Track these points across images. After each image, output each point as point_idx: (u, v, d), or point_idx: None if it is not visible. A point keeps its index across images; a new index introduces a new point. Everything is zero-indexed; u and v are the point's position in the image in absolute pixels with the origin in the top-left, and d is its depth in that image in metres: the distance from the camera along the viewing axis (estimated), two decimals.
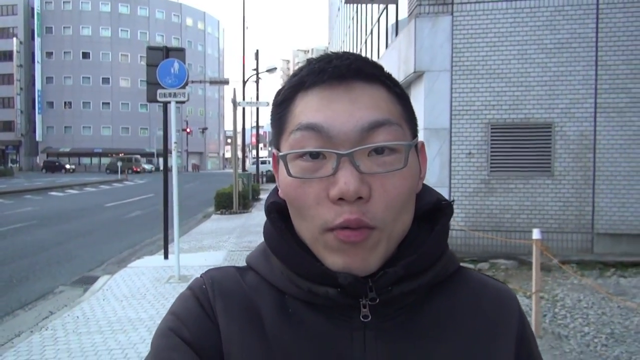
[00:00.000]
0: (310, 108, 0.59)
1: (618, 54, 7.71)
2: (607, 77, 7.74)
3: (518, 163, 8.02)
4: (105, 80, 69.42)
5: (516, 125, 8.01)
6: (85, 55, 68.97)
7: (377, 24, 12.75)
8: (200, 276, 0.68)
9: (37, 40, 67.89)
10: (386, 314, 0.62)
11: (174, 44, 73.95)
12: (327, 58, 0.61)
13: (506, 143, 8.05)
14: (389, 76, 0.63)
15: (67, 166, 57.41)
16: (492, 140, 8.07)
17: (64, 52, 68.80)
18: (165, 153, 8.17)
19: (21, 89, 68.94)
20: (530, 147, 8.00)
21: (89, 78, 68.89)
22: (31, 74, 69.66)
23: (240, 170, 19.01)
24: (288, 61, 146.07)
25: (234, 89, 19.17)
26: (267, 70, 21.27)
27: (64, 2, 69.18)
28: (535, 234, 4.54)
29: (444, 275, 0.65)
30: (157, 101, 7.08)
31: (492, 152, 8.07)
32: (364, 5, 14.78)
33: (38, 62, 67.94)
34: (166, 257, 8.09)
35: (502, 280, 5.21)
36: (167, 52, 7.81)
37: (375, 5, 12.15)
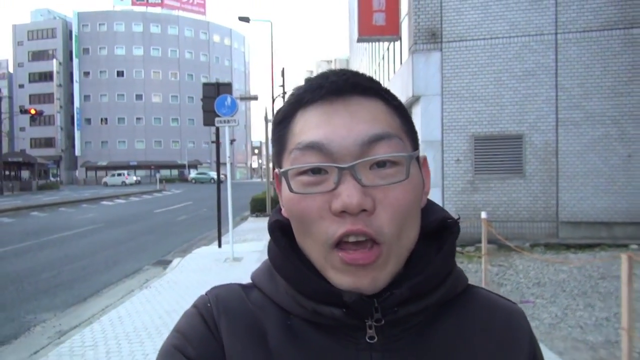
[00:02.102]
0: (309, 125, 0.59)
1: (573, 79, 9.70)
2: (565, 97, 9.74)
3: (496, 167, 10.06)
4: (139, 97, 72.80)
5: (494, 137, 10.06)
6: (120, 73, 72.55)
7: (387, 51, 14.95)
8: (206, 294, 0.68)
9: (75, 61, 71.87)
10: (393, 334, 0.61)
11: (202, 60, 77.45)
12: (325, 75, 0.61)
13: (486, 151, 10.09)
14: (386, 90, 0.63)
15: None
16: (475, 149, 10.13)
17: (100, 72, 72.51)
18: (217, 166, 10.46)
19: (61, 107, 72.96)
20: (506, 153, 10.03)
21: (123, 95, 72.38)
22: (70, 92, 73.72)
23: (271, 179, 21.36)
24: (312, 71, 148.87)
25: (265, 107, 21.40)
26: (293, 89, 23.59)
27: (99, 24, 73.07)
28: (483, 214, 6.62)
29: (452, 294, 0.65)
30: (215, 125, 9.40)
31: (475, 158, 10.13)
32: None
33: (76, 81, 71.89)
34: (219, 246, 10.37)
35: (482, 257, 7.37)
36: (219, 86, 10.15)
37: None
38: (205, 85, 10.40)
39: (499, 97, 9.98)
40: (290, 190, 0.58)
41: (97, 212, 20.64)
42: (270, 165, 26.69)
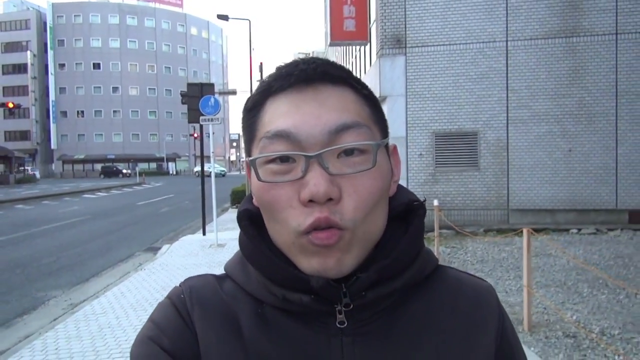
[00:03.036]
0: (278, 113, 0.59)
1: (521, 82, 10.86)
2: (514, 98, 10.90)
3: (455, 160, 11.18)
4: (115, 89, 72.42)
5: (452, 134, 11.18)
6: (96, 65, 71.99)
7: (358, 52, 15.97)
8: (179, 285, 0.69)
9: (50, 53, 71.04)
10: (362, 319, 0.62)
11: (180, 52, 77.33)
12: (294, 63, 0.61)
13: (446, 146, 11.21)
14: (356, 79, 0.63)
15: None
16: (436, 144, 11.23)
17: (76, 64, 71.85)
18: (202, 160, 11.35)
19: (36, 99, 72.04)
20: (463, 149, 11.16)
21: (99, 87, 71.90)
22: (45, 85, 72.85)
23: None
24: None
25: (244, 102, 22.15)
26: (264, 77, 24.51)
27: (74, 15, 72.27)
28: (435, 202, 7.70)
29: (420, 277, 0.65)
30: (199, 123, 10.29)
31: (436, 153, 11.23)
32: None
33: (51, 73, 71.12)
34: (204, 234, 11.30)
35: (441, 242, 8.53)
36: (202, 86, 11.04)
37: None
38: (189, 85, 11.27)
39: (456, 97, 11.08)
40: (258, 178, 0.59)
41: (80, 205, 21.27)
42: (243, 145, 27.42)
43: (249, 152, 0.64)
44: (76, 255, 9.65)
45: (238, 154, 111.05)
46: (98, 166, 71.61)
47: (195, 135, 61.42)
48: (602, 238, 9.51)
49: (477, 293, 0.69)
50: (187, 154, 75.45)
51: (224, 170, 43.90)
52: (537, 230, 10.95)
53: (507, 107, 10.95)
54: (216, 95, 10.81)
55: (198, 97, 10.51)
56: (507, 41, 10.89)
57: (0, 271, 8.31)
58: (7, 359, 4.44)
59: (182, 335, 0.62)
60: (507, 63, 10.91)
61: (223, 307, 0.65)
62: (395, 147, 0.67)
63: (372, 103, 0.64)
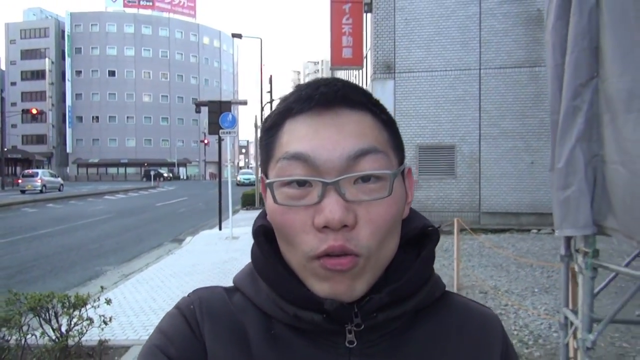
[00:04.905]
0: (297, 136, 0.60)
1: (492, 103, 12.77)
2: (486, 117, 12.81)
3: (435, 170, 13.08)
4: (130, 96, 74.88)
5: (434, 147, 13.09)
6: (111, 73, 74.61)
7: (355, 75, 17.98)
8: (188, 295, 0.69)
9: (67, 60, 73.67)
10: (371, 339, 0.62)
11: (192, 61, 79.83)
12: (315, 84, 0.62)
13: (428, 157, 13.11)
14: (376, 103, 0.64)
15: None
16: (419, 155, 13.14)
17: (92, 71, 74.44)
18: (219, 166, 13.33)
19: (53, 105, 74.61)
20: (442, 160, 13.07)
21: (114, 94, 74.40)
22: (62, 91, 75.48)
23: (259, 178, 24.34)
24: (298, 72, 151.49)
25: (255, 115, 24.18)
26: (280, 98, 26.57)
27: (91, 24, 74.98)
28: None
29: (429, 301, 0.66)
30: (219, 135, 12.29)
31: (419, 163, 13.14)
32: None
33: (68, 80, 73.73)
34: (220, 229, 13.27)
35: None
36: (221, 104, 13.06)
37: None
38: (210, 102, 13.31)
39: (437, 116, 13.00)
40: (275, 201, 0.59)
41: (104, 205, 23.35)
42: (259, 164, 29.36)
43: (265, 172, 0.65)
44: (115, 243, 11.65)
45: (246, 160, 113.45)
46: (112, 170, 74.02)
47: (206, 141, 63.87)
48: (553, 236, 11.35)
49: (484, 320, 0.70)
50: (197, 160, 77.72)
51: (249, 177, 41.54)
52: (503, 230, 12.85)
53: (480, 125, 12.86)
54: (233, 113, 12.80)
55: (218, 113, 12.53)
56: (480, 69, 12.81)
57: (59, 253, 10.31)
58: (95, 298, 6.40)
59: (190, 346, 0.62)
60: (480, 88, 12.83)
61: (232, 320, 0.65)
62: (409, 170, 0.67)
63: (390, 128, 0.64)
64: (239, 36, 25.25)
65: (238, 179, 44.29)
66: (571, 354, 3.36)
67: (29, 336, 4.01)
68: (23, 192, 30.87)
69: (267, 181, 0.61)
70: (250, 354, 0.62)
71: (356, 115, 0.61)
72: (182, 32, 79.59)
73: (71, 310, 4.18)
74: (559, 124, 3.02)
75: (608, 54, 2.72)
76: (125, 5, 77.10)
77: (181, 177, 72.24)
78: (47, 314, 4.18)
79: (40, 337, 4.06)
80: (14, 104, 70.94)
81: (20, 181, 32.32)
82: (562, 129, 2.99)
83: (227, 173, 12.38)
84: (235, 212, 20.12)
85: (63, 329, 4.22)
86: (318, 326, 0.61)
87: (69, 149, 74.21)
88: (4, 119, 44.76)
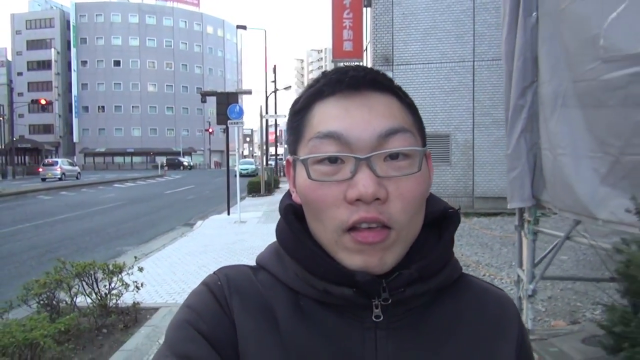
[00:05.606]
0: (328, 116, 0.62)
1: (485, 94, 13.45)
2: (479, 107, 13.50)
3: (431, 157, 13.78)
4: (135, 86, 75.48)
5: (429, 135, 13.69)
6: (116, 63, 75.18)
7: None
8: (214, 273, 0.70)
9: (73, 50, 74.29)
10: (396, 314, 0.64)
11: (196, 50, 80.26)
12: (343, 70, 0.64)
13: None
14: (399, 88, 0.67)
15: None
16: None
17: (97, 61, 75.03)
18: (227, 155, 14.10)
19: (59, 94, 75.40)
20: (438, 147, 13.78)
21: (120, 84, 75.07)
22: (68, 81, 76.14)
23: (265, 165, 25.10)
24: (302, 60, 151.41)
25: (261, 106, 24.87)
26: (284, 88, 27.34)
27: (96, 14, 75.41)
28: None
29: (450, 281, 0.68)
30: (226, 125, 13.03)
31: None
32: None
33: (74, 70, 74.40)
34: (228, 214, 14.07)
35: None
36: (228, 96, 13.79)
37: None
38: (218, 94, 14.04)
39: (433, 106, 13.69)
40: (309, 177, 0.61)
41: (115, 193, 24.22)
42: (264, 152, 30.56)
43: (294, 151, 0.66)
44: (131, 227, 12.48)
45: (251, 148, 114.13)
46: (118, 159, 74.90)
47: (211, 130, 64.66)
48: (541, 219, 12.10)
49: (502, 302, 0.72)
50: (202, 149, 78.51)
51: (247, 168, 38.02)
52: (495, 214, 13.58)
53: (473, 114, 13.55)
54: (240, 104, 13.53)
55: (225, 104, 13.26)
56: (474, 61, 13.48)
57: (81, 235, 11.14)
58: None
59: (220, 322, 0.63)
60: (473, 79, 13.51)
61: (260, 297, 0.66)
62: (430, 153, 0.68)
63: (414, 111, 0.67)
64: (244, 27, 25.93)
65: (236, 169, 40.86)
66: (524, 306, 4.14)
67: (76, 297, 4.83)
68: (44, 179, 32.42)
69: (302, 157, 0.63)
70: (278, 329, 0.63)
71: (384, 97, 0.63)
72: (186, 22, 79.93)
73: (111, 276, 4.99)
74: (509, 118, 3.78)
75: (542, 64, 3.48)
76: None
77: (187, 165, 73.13)
78: (90, 279, 5.00)
79: (86, 297, 4.87)
80: (20, 94, 71.61)
81: (41, 170, 34.12)
82: (511, 123, 3.74)
83: (236, 162, 13.14)
84: (242, 199, 20.93)
85: (103, 292, 5.04)
86: (347, 300, 0.62)
87: (75, 139, 75.07)
88: (12, 109, 45.62)
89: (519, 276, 4.08)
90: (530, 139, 3.61)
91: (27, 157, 54.93)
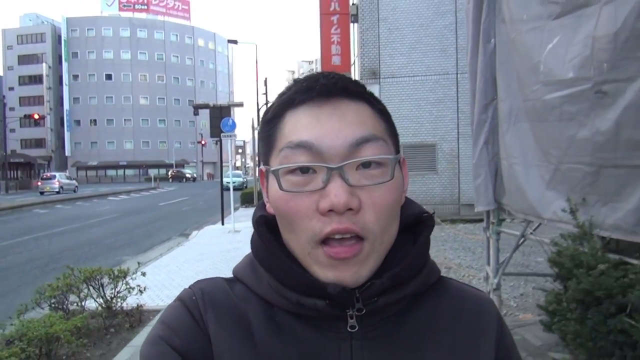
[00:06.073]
0: (299, 126, 0.61)
1: (468, 105, 13.95)
2: (463, 118, 14.05)
3: (418, 166, 14.32)
4: (127, 99, 75.52)
5: (416, 145, 14.33)
6: (108, 76, 75.22)
7: None
8: (189, 287, 0.70)
9: (64, 65, 74.24)
10: (371, 324, 0.64)
11: (188, 63, 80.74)
12: (314, 77, 0.64)
13: (411, 155, 14.34)
14: (371, 94, 0.67)
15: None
16: (403, 153, 14.32)
17: (89, 75, 75.04)
18: (221, 167, 14.53)
19: (51, 109, 75.20)
20: (424, 157, 14.31)
21: (111, 97, 75.07)
22: (59, 95, 76.07)
23: (257, 176, 25.62)
24: (293, 72, 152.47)
25: (252, 118, 25.30)
26: (278, 94, 27.84)
27: (87, 29, 75.63)
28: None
29: (426, 285, 0.68)
30: (220, 138, 13.48)
31: None
32: None
33: (66, 84, 74.30)
34: (222, 224, 14.48)
35: None
36: (221, 109, 14.27)
37: None
38: (212, 108, 14.52)
39: (419, 117, 14.24)
40: (280, 188, 0.61)
41: (110, 205, 24.53)
42: (257, 163, 30.71)
43: (266, 162, 0.66)
44: (128, 238, 12.85)
45: (243, 159, 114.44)
46: (111, 172, 74.79)
47: (203, 142, 64.99)
48: (522, 224, 12.63)
49: (479, 303, 0.72)
50: (195, 160, 78.75)
51: (235, 181, 36.18)
52: (480, 220, 14.04)
53: (458, 124, 14.10)
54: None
55: (219, 118, 13.73)
56: (457, 74, 14.06)
57: (80, 247, 11.51)
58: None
59: (194, 336, 0.63)
60: (457, 90, 14.07)
61: (234, 309, 0.66)
62: (404, 160, 0.70)
63: (386, 118, 0.68)
64: (235, 42, 26.45)
65: (225, 182, 37.25)
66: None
67: (86, 300, 5.24)
68: (42, 193, 33.09)
69: (273, 168, 0.62)
70: (253, 342, 0.64)
71: (355, 105, 0.63)
72: (177, 35, 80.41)
73: (116, 281, 5.41)
74: (474, 131, 4.27)
75: (499, 84, 3.98)
76: (120, 10, 77.94)
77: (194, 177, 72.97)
78: (97, 284, 5.41)
79: (94, 300, 5.28)
80: (12, 109, 71.39)
81: (39, 183, 35.04)
82: (475, 135, 4.24)
83: (229, 173, 13.57)
84: (235, 209, 21.35)
85: (109, 296, 5.45)
86: (320, 312, 0.62)
87: (67, 152, 74.96)
88: (5, 124, 45.77)
89: (487, 272, 4.55)
90: (491, 149, 4.10)
91: (19, 172, 54.92)
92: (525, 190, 3.48)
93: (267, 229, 0.67)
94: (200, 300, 0.67)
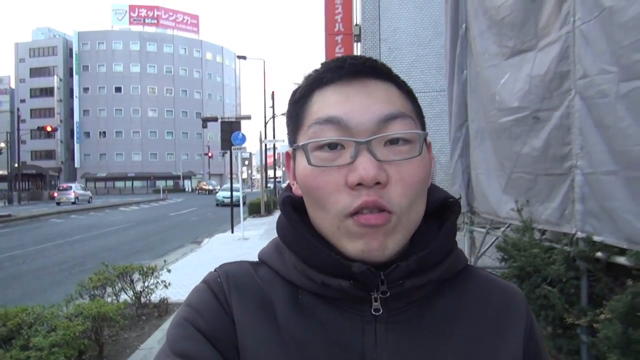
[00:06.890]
0: (328, 103, 0.62)
1: None
2: None
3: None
4: (136, 112, 76.88)
5: None
6: (118, 89, 76.74)
7: None
8: (215, 270, 0.71)
9: (75, 77, 75.88)
10: (396, 307, 0.64)
11: (196, 76, 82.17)
12: (342, 58, 0.65)
13: None
14: (398, 76, 0.68)
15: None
16: None
17: (99, 87, 76.63)
18: (231, 179, 15.39)
19: (61, 121, 76.43)
20: None
21: (121, 110, 76.50)
22: (70, 107, 77.59)
23: (265, 187, 26.42)
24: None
25: (260, 131, 26.20)
26: (282, 114, 28.87)
27: (98, 42, 77.31)
28: None
29: (452, 272, 0.67)
30: (230, 150, 14.36)
31: None
32: None
33: (76, 96, 75.88)
34: (232, 232, 15.29)
35: None
36: (231, 124, 15.16)
37: None
38: (223, 122, 15.43)
39: None
40: (309, 163, 0.61)
41: (122, 215, 25.44)
42: (260, 176, 31.89)
43: (294, 140, 0.67)
44: (144, 245, 13.69)
45: (249, 171, 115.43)
46: (119, 183, 75.87)
47: (210, 154, 66.09)
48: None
49: (508, 294, 0.71)
50: (202, 172, 79.82)
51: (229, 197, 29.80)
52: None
53: None
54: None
55: (229, 132, 14.61)
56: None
57: (100, 252, 12.35)
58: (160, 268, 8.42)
59: (219, 318, 0.64)
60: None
61: (259, 292, 0.67)
62: (430, 144, 0.68)
63: (413, 99, 0.69)
64: (244, 58, 27.51)
65: (217, 197, 33.14)
66: None
67: (121, 293, 6.07)
68: (58, 203, 34.37)
69: (302, 143, 0.63)
70: (277, 324, 0.64)
71: (383, 84, 0.64)
72: (185, 49, 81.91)
73: (146, 276, 6.24)
74: (450, 146, 5.10)
75: (470, 108, 4.81)
76: (131, 24, 79.73)
77: (186, 189, 73.94)
78: (128, 279, 6.24)
79: (125, 293, 6.10)
80: (23, 121, 72.51)
81: (56, 194, 36.57)
82: (451, 150, 5.06)
83: (240, 192, 14.44)
84: (243, 219, 22.16)
85: (138, 290, 6.28)
86: (345, 293, 0.62)
87: (77, 164, 76.23)
88: (19, 136, 46.96)
89: None
90: (464, 162, 4.91)
91: (29, 183, 56.13)
92: (488, 195, 4.29)
93: (292, 209, 0.68)
94: (225, 283, 0.68)
